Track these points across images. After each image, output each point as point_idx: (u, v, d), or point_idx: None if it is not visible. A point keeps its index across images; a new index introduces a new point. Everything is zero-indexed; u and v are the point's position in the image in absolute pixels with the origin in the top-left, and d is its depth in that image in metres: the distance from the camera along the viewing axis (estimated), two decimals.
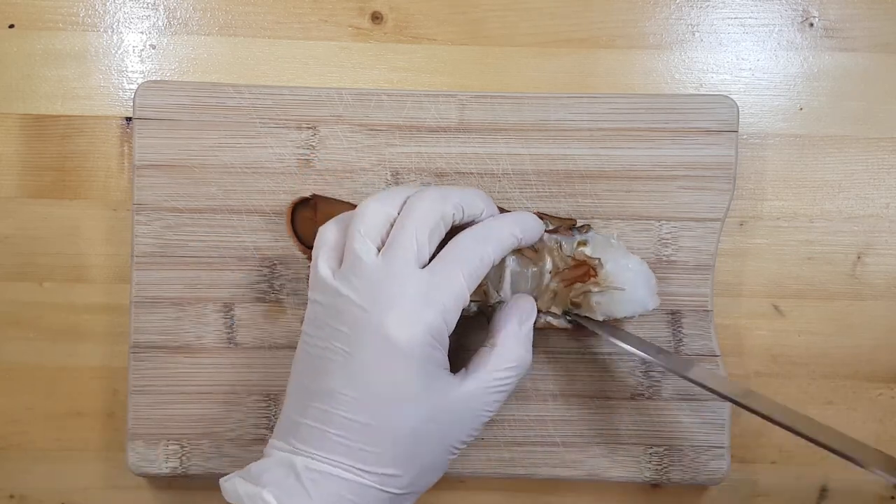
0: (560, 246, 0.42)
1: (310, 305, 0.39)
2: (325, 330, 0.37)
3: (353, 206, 0.44)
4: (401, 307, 0.36)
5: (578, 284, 0.42)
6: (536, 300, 0.42)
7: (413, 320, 0.36)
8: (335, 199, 0.45)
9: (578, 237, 0.43)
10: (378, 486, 0.36)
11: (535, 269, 0.43)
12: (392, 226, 0.38)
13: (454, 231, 0.39)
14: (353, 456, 0.36)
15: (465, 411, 0.38)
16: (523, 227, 0.40)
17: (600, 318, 0.43)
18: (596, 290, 0.41)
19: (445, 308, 0.37)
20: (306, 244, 0.45)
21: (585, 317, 0.43)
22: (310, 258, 0.44)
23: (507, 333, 0.40)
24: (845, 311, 0.49)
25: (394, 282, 0.37)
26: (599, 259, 0.42)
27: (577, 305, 0.42)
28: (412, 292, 0.36)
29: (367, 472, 0.36)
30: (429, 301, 0.37)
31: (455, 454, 0.39)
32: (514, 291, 0.43)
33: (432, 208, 0.38)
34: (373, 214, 0.38)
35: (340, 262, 0.39)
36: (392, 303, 0.36)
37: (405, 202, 0.39)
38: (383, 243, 0.38)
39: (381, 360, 0.36)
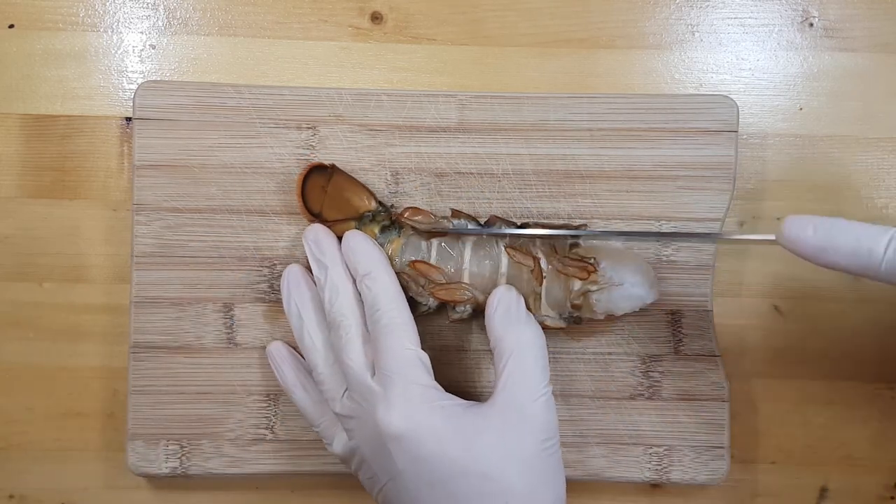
0: (554, 249, 0.42)
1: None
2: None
3: (367, 190, 0.45)
4: (379, 409, 0.39)
5: (578, 284, 0.42)
6: (532, 303, 0.43)
7: (393, 411, 0.38)
8: (351, 176, 0.45)
9: (571, 239, 0.43)
10: None
11: (530, 275, 0.43)
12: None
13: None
14: None
15: (511, 444, 0.39)
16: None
17: (601, 317, 0.43)
18: (595, 287, 0.42)
19: (407, 376, 0.39)
20: (311, 209, 0.45)
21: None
22: (310, 222, 0.45)
23: (518, 354, 0.41)
24: (845, 312, 0.49)
25: (361, 396, 0.40)
26: (594, 258, 0.42)
27: (577, 307, 0.42)
28: (378, 394, 0.39)
29: None
30: (388, 385, 0.39)
31: (553, 450, 0.40)
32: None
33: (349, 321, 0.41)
34: (312, 352, 0.43)
35: None
36: (366, 410, 0.40)
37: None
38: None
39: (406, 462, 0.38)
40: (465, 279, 0.43)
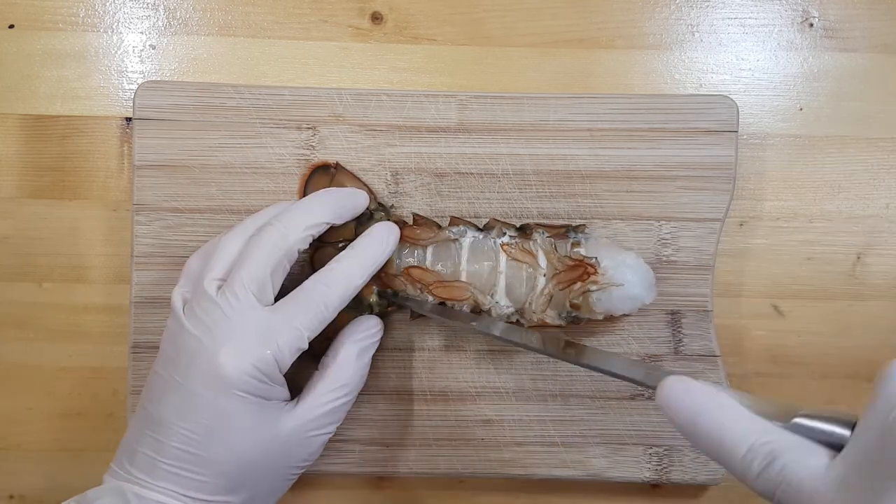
0: (555, 247, 0.42)
1: (165, 331, 0.40)
2: (166, 358, 0.39)
3: (368, 188, 0.45)
4: (233, 343, 0.37)
5: (578, 284, 0.42)
6: (531, 304, 0.42)
7: (243, 356, 0.37)
8: (355, 175, 0.45)
9: (572, 238, 0.43)
10: None
11: (529, 271, 0.43)
12: None
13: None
14: (183, 484, 0.37)
15: (297, 439, 0.40)
16: (374, 256, 0.41)
17: (600, 318, 0.43)
18: (595, 288, 0.42)
19: (279, 349, 0.38)
20: None
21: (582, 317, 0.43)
22: None
23: (341, 358, 0.42)
24: (845, 312, 0.49)
25: (231, 318, 0.38)
26: (596, 258, 0.42)
27: (576, 307, 0.42)
28: (247, 329, 0.38)
29: (197, 499, 0.37)
30: (262, 340, 0.38)
31: (293, 477, 0.41)
32: (509, 296, 0.43)
33: (274, 246, 0.39)
34: (227, 251, 0.40)
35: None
36: (226, 338, 0.38)
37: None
38: None
39: (209, 393, 0.37)
40: (463, 279, 0.43)
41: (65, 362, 0.48)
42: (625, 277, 0.42)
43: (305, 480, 0.48)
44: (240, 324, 0.38)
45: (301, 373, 0.41)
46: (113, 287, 0.48)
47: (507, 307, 0.43)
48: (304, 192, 0.45)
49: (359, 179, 0.45)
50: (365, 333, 0.43)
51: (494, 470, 0.46)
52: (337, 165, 0.45)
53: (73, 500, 0.37)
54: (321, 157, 0.46)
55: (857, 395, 0.49)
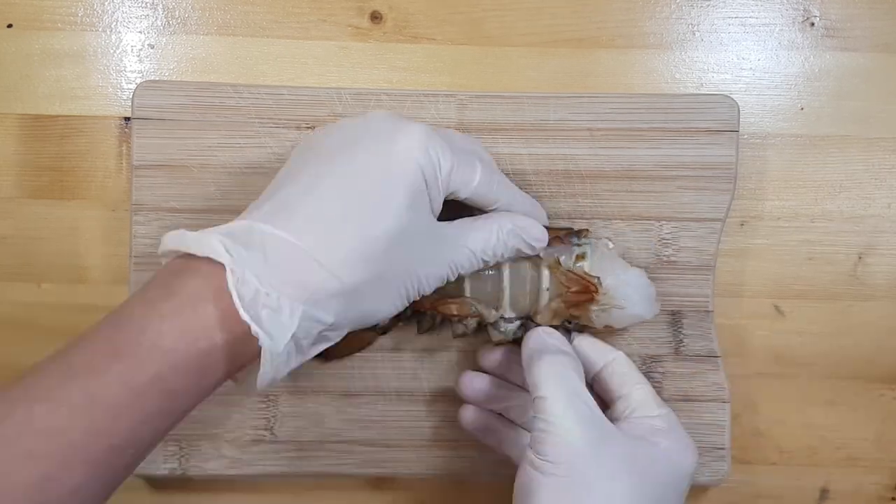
0: (559, 261, 0.42)
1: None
2: (339, 127, 0.38)
3: (364, 331, 0.43)
4: (413, 135, 0.36)
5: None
6: (536, 317, 0.42)
7: (422, 146, 0.36)
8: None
9: (577, 250, 0.43)
10: (328, 279, 0.34)
11: (533, 281, 0.42)
12: None
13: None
14: (318, 242, 0.34)
15: (436, 250, 0.38)
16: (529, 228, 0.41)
17: (598, 328, 0.42)
18: (596, 308, 0.41)
19: (456, 159, 0.37)
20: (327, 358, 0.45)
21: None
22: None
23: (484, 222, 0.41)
24: (846, 312, 0.48)
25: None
26: (599, 278, 0.41)
27: (575, 317, 0.42)
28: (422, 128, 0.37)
29: (321, 262, 0.34)
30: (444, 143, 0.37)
31: (405, 295, 0.38)
32: (513, 307, 0.42)
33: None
34: None
35: None
36: (409, 129, 0.37)
37: None
38: None
39: (378, 162, 0.36)
40: (467, 293, 0.42)
41: None
42: (628, 298, 0.42)
43: (306, 482, 0.48)
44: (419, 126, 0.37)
45: None
46: (111, 288, 0.48)
47: (514, 319, 0.43)
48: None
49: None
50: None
51: (494, 471, 0.46)
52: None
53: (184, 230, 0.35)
54: None
55: (859, 395, 0.49)
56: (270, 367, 0.33)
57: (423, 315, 0.44)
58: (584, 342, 0.43)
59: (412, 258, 0.37)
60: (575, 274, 0.42)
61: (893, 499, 0.49)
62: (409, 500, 0.48)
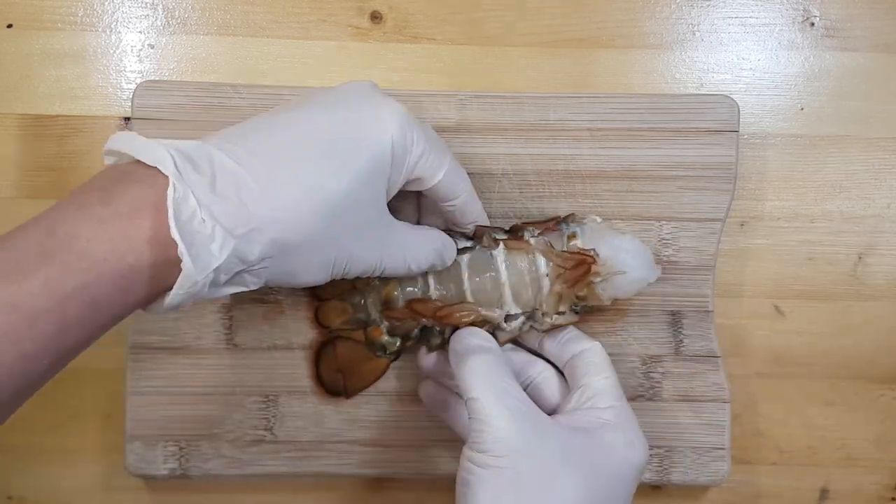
0: (551, 245, 0.42)
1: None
2: (321, 90, 0.38)
3: (375, 360, 0.45)
4: (395, 111, 0.37)
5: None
6: (542, 306, 0.42)
7: (400, 122, 0.36)
8: (354, 342, 0.45)
9: (567, 230, 0.43)
10: (267, 221, 0.33)
11: (532, 273, 0.42)
12: None
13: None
14: (268, 182, 0.33)
15: (376, 236, 0.38)
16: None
17: (607, 303, 0.42)
18: (598, 279, 0.41)
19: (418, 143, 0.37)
20: (327, 386, 0.45)
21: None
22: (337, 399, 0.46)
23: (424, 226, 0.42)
24: (846, 312, 0.48)
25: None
26: (594, 249, 0.41)
27: (582, 298, 0.42)
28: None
29: (266, 202, 0.33)
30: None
31: (330, 269, 0.37)
32: (516, 301, 0.42)
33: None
34: None
35: None
36: (391, 104, 0.37)
37: None
38: None
39: (351, 124, 0.36)
40: (469, 298, 0.42)
41: None
42: (626, 263, 0.41)
43: (306, 482, 0.48)
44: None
45: None
46: None
47: (518, 315, 0.42)
48: (319, 380, 0.46)
49: (360, 343, 0.45)
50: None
51: None
52: (334, 339, 0.45)
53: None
54: None
55: (859, 396, 0.49)
56: (184, 293, 0.32)
57: (431, 331, 0.43)
58: (568, 333, 0.43)
59: (350, 233, 0.36)
60: (569, 252, 0.42)
61: (893, 499, 0.49)
62: (409, 500, 0.48)
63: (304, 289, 0.45)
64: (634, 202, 0.46)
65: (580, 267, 0.41)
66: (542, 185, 0.46)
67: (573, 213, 0.44)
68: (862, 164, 0.48)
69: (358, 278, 0.39)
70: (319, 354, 0.45)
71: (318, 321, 0.45)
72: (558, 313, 0.42)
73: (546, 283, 0.42)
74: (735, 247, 0.48)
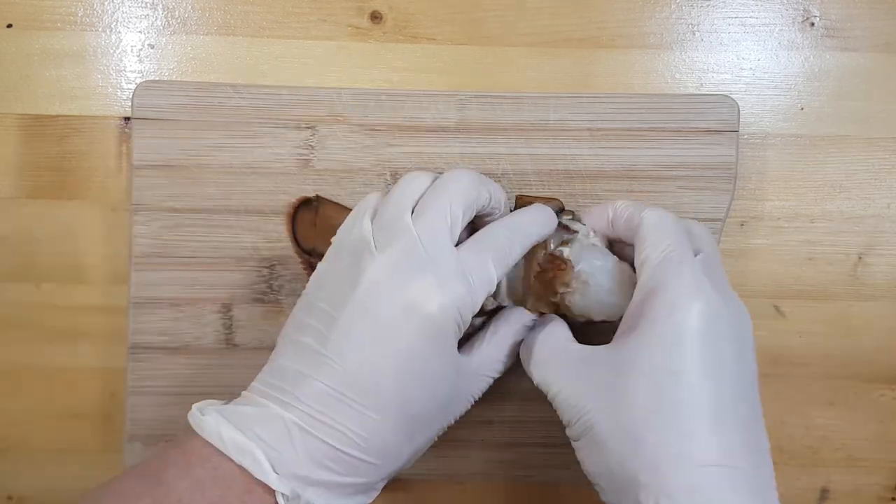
0: (547, 243, 0.41)
1: (325, 269, 0.37)
2: (331, 292, 0.36)
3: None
4: (435, 277, 0.35)
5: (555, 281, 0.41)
6: (526, 301, 0.42)
7: (445, 292, 0.35)
8: (338, 204, 0.45)
9: (565, 236, 0.42)
10: (364, 461, 0.34)
11: (523, 264, 0.41)
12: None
13: (473, 225, 0.39)
14: (354, 419, 0.34)
15: (464, 389, 0.38)
16: (545, 223, 0.40)
17: (580, 319, 0.41)
18: (563, 289, 0.40)
19: (473, 288, 0.35)
20: (303, 246, 0.45)
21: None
22: (303, 262, 0.44)
23: (514, 319, 0.41)
24: (846, 312, 0.48)
25: (428, 251, 0.35)
26: (570, 259, 0.41)
27: (556, 306, 0.41)
28: (446, 264, 0.35)
29: (358, 441, 0.34)
30: (461, 277, 0.35)
31: (441, 433, 0.38)
32: (510, 294, 0.42)
33: (469, 186, 0.37)
34: (417, 185, 0.37)
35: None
36: (425, 271, 0.35)
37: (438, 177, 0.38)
38: None
39: (404, 325, 0.34)
40: None
41: (63, 363, 0.48)
42: (599, 282, 0.40)
43: None
44: (438, 257, 0.35)
45: None
46: (111, 288, 0.48)
47: (511, 307, 0.42)
48: (293, 231, 0.45)
49: (343, 207, 0.45)
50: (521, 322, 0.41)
51: (495, 471, 0.46)
52: (318, 198, 0.45)
53: (216, 408, 0.34)
54: (319, 157, 0.46)
55: (859, 396, 0.49)
56: None
57: None
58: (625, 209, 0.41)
59: (443, 419, 0.38)
60: (552, 256, 0.41)
61: (893, 499, 0.49)
62: (408, 500, 0.48)
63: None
64: None
65: (550, 270, 0.41)
66: (542, 185, 0.46)
67: (573, 211, 0.43)
68: (862, 164, 0.48)
69: None
70: (299, 209, 0.45)
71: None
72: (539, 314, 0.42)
73: (534, 280, 0.41)
74: (735, 247, 0.48)
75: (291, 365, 0.35)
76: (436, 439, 0.39)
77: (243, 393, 0.36)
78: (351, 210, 0.43)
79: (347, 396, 0.34)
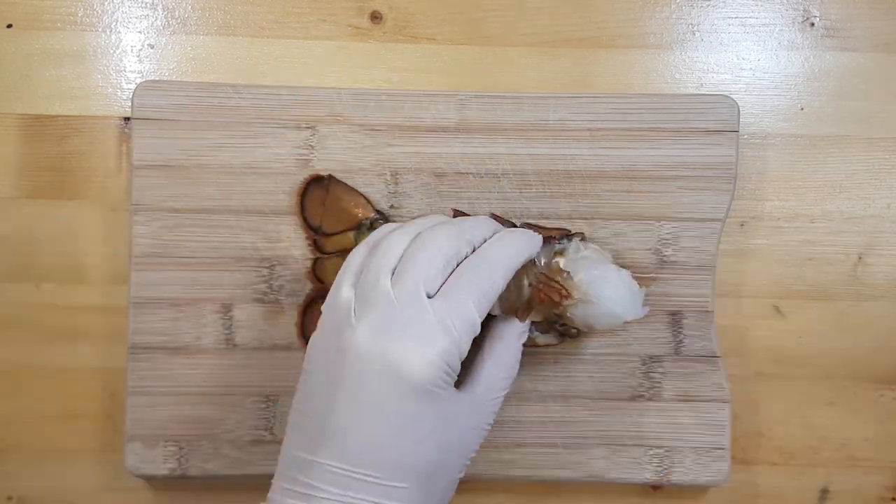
0: (533, 261, 0.41)
1: (315, 339, 0.38)
2: (326, 363, 0.36)
3: (364, 197, 0.45)
4: (416, 338, 0.35)
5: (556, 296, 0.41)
6: (518, 312, 0.41)
7: (429, 350, 0.35)
8: (349, 186, 0.45)
9: (557, 246, 0.42)
10: None
11: (515, 279, 0.41)
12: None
13: None
14: (376, 493, 0.35)
15: (472, 427, 0.38)
16: (527, 246, 0.40)
17: (584, 329, 0.41)
18: (566, 302, 0.40)
19: (458, 336, 0.36)
20: (310, 223, 0.45)
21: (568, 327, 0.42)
22: (308, 238, 0.45)
23: (507, 336, 0.40)
24: (846, 312, 0.48)
25: (406, 311, 0.36)
26: (569, 272, 0.40)
27: (559, 316, 0.41)
28: (426, 321, 0.35)
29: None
30: (443, 329, 0.35)
31: (461, 475, 0.39)
32: (501, 304, 0.42)
33: (447, 244, 0.37)
34: (396, 246, 0.38)
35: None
36: (406, 333, 0.35)
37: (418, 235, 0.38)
38: None
39: (395, 393, 0.35)
40: None
41: (63, 363, 0.48)
42: (600, 293, 0.40)
43: None
44: (415, 317, 0.35)
45: None
46: (111, 288, 0.48)
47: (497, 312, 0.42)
48: (302, 206, 0.45)
49: (354, 190, 0.45)
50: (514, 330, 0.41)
51: (494, 471, 0.46)
52: (330, 177, 0.45)
53: None
54: (319, 157, 0.46)
55: (859, 397, 0.49)
56: None
57: None
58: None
59: (460, 458, 0.38)
60: (547, 276, 0.40)
61: (893, 499, 0.49)
62: None
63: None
64: (634, 202, 0.46)
65: (547, 291, 0.40)
66: (542, 185, 0.46)
67: (582, 233, 0.43)
68: (862, 164, 0.48)
69: (360, 234, 0.41)
70: (310, 185, 0.45)
71: (316, 276, 0.45)
72: (540, 332, 0.42)
73: (526, 292, 0.41)
74: (735, 247, 0.48)
75: (300, 454, 0.36)
76: (463, 474, 0.39)
77: (269, 495, 0.36)
78: (361, 196, 0.44)
79: (360, 473, 0.35)
